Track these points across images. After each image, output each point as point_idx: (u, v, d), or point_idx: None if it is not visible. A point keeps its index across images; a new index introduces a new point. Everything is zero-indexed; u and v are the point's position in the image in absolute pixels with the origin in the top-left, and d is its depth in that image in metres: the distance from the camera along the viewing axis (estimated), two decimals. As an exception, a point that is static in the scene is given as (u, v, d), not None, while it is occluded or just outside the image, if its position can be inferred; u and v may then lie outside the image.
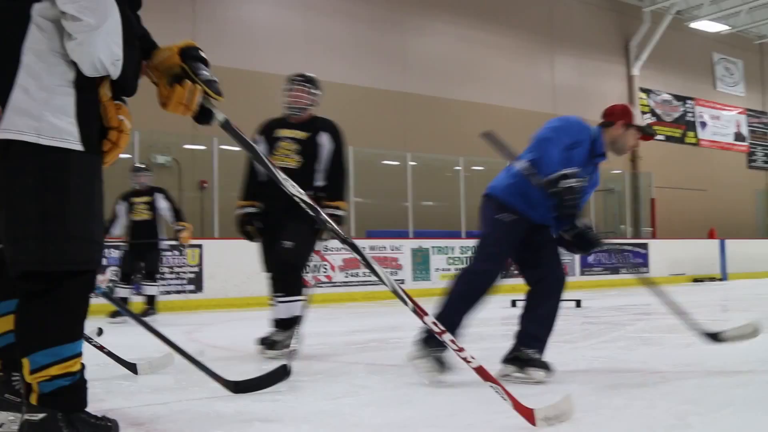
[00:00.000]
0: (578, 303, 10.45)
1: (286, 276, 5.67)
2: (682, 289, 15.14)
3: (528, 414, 2.97)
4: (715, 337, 4.81)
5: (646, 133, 4.69)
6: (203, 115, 3.08)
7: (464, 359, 3.08)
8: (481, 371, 3.07)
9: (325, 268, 12.98)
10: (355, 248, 3.23)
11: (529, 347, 4.34)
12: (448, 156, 17.20)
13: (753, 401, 3.64)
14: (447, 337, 3.12)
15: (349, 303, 12.40)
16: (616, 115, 4.57)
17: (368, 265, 3.21)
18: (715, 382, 4.24)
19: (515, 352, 4.35)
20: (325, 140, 5.98)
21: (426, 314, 3.13)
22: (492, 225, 4.60)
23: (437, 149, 17.53)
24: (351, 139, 15.78)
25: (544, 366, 4.28)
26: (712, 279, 19.51)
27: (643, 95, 23.66)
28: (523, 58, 20.56)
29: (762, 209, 26.78)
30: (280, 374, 3.75)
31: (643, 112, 23.49)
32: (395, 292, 3.13)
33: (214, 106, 3.08)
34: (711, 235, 22.00)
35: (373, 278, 12.69)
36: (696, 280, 19.08)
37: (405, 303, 3.10)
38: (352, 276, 13.10)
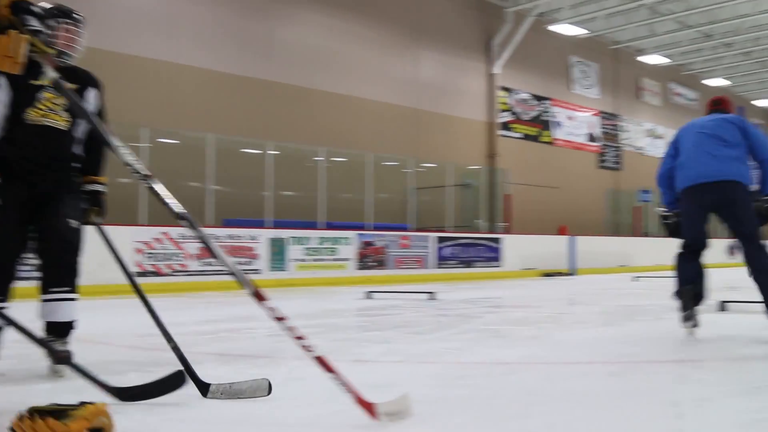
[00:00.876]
0: (432, 295, 10.60)
1: (72, 264, 4.31)
2: (532, 283, 15.59)
3: (370, 408, 2.95)
4: None
5: None
6: (32, 70, 2.93)
7: (305, 348, 2.99)
8: (321, 362, 3.01)
9: (180, 257, 12.72)
10: (193, 226, 3.13)
11: None
12: (310, 146, 17.16)
13: (592, 391, 3.77)
14: (287, 323, 3.01)
15: (203, 292, 12.20)
16: (730, 106, 6.38)
17: (207, 246, 3.12)
18: (558, 373, 4.38)
19: None
20: (92, 98, 4.47)
21: (265, 299, 3.03)
22: (750, 208, 5.92)
23: (299, 139, 17.48)
24: (211, 126, 15.69)
25: None
26: (561, 274, 20.15)
27: (503, 93, 24.22)
28: (388, 51, 20.70)
29: (609, 208, 27.88)
30: (174, 382, 3.48)
31: (502, 110, 24.06)
32: (234, 274, 3.06)
33: (45, 62, 2.93)
34: (561, 232, 22.73)
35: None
36: (546, 275, 19.65)
37: (245, 286, 3.04)
38: (207, 265, 12.89)
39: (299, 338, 3.02)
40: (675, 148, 6.31)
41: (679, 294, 6.06)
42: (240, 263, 13.16)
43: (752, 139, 5.99)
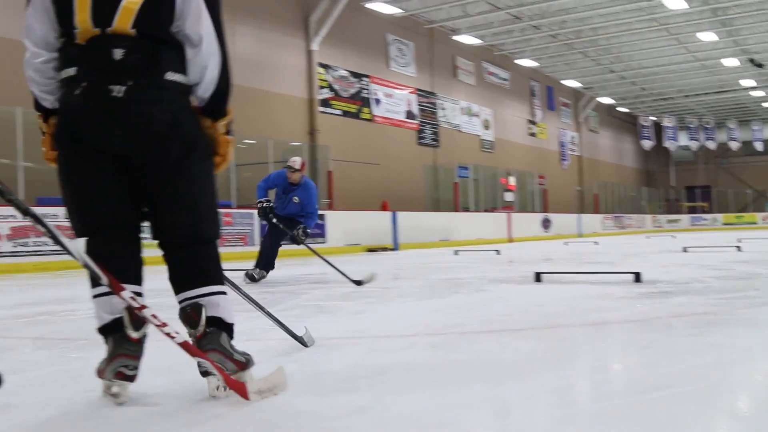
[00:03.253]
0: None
1: None
2: (357, 259, 15.76)
3: (240, 388, 2.95)
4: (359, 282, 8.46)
5: None
6: None
7: (168, 335, 2.91)
8: (186, 346, 2.96)
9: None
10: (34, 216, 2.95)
11: None
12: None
13: (415, 363, 3.87)
14: (148, 312, 2.93)
15: (17, 275, 11.67)
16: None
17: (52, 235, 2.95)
18: (383, 346, 4.46)
19: None
20: None
21: (123, 288, 2.92)
22: None
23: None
24: (22, 100, 14.87)
25: None
26: (384, 249, 20.47)
27: (322, 70, 24.26)
28: (204, 26, 20.22)
29: (429, 183, 28.52)
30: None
31: (321, 87, 24.10)
32: (87, 265, 2.93)
33: None
34: (384, 207, 23.10)
35: (46, 248, 11.84)
36: (370, 250, 19.93)
37: (100, 278, 2.92)
38: (21, 246, 12.32)
39: (163, 325, 2.92)
40: None
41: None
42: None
43: None
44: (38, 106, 3.25)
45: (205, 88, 3.14)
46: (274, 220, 9.85)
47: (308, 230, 10.08)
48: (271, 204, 10.05)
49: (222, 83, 3.18)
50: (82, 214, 3.14)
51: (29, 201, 13.48)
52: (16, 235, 12.26)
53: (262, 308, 4.15)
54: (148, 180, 3.10)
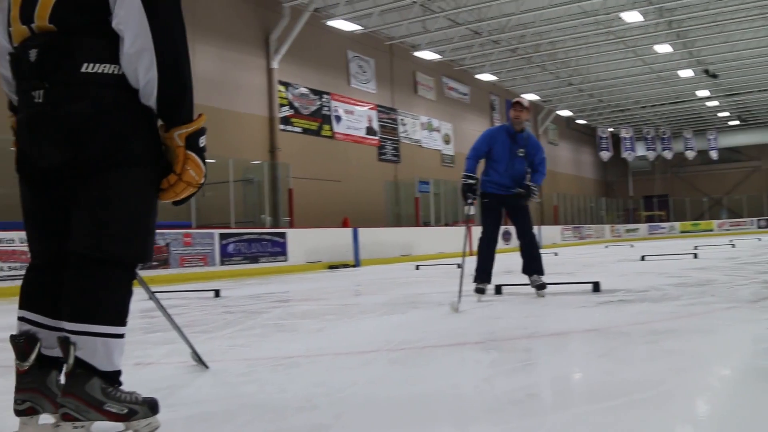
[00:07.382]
0: (217, 293, 10.47)
1: None
2: (318, 276, 15.72)
3: None
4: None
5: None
6: None
7: None
8: None
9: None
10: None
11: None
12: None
13: (375, 377, 3.87)
14: None
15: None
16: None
17: None
18: (343, 363, 4.44)
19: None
20: None
21: None
22: None
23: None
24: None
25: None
26: (346, 266, 20.44)
27: (282, 88, 24.21)
28: (162, 45, 20.12)
29: (390, 199, 28.55)
30: None
31: (282, 105, 24.06)
32: None
33: None
34: (345, 224, 23.07)
35: (15, 273, 11.59)
36: (332, 267, 19.88)
37: None
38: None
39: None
40: None
41: None
42: (12, 268, 12.46)
43: None
44: (11, 106, 2.94)
45: (146, 93, 2.69)
46: (476, 200, 8.30)
47: (535, 188, 8.12)
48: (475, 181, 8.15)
49: (166, 85, 2.71)
50: (29, 241, 2.91)
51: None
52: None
53: (177, 326, 4.13)
54: (67, 192, 2.71)
